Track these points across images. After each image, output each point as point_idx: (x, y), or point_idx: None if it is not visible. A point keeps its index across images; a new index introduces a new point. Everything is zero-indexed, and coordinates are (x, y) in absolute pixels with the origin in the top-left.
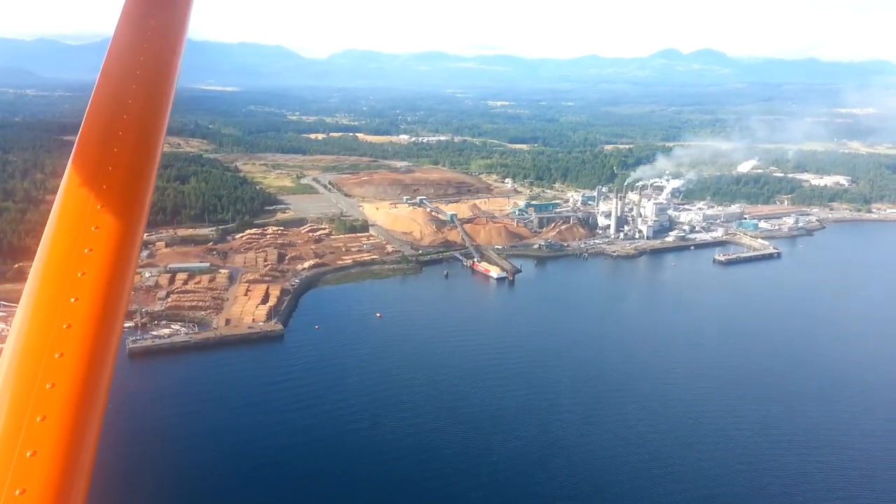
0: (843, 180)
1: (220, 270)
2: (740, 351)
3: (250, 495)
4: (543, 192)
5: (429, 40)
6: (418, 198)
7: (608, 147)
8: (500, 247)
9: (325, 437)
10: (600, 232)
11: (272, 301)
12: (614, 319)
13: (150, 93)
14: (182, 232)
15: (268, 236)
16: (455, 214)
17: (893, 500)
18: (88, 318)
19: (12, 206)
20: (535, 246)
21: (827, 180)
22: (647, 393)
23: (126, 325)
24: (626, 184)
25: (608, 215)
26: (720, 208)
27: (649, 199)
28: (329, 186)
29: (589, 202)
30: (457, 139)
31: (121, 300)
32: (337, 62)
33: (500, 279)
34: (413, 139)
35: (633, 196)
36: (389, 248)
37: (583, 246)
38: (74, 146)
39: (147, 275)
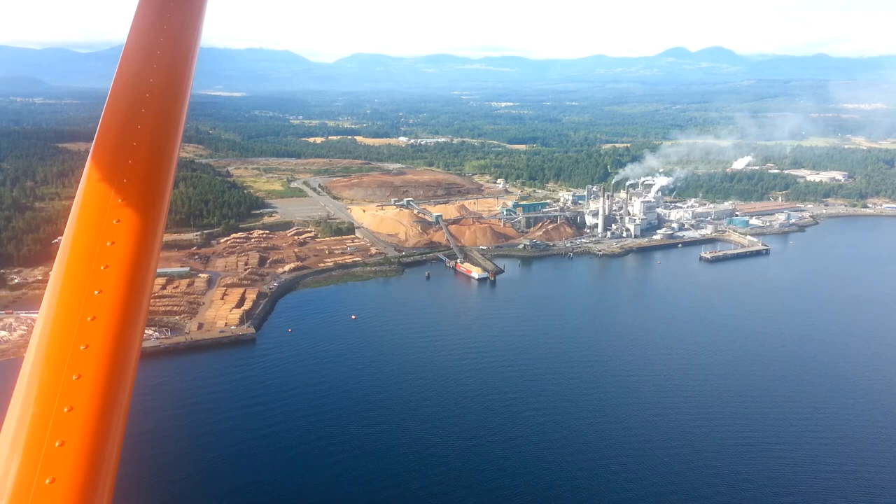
0: (839, 176)
1: (200, 275)
2: (707, 348)
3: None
4: (535, 191)
5: (436, 43)
6: (405, 199)
7: (607, 146)
8: (484, 247)
9: (274, 444)
10: (588, 231)
11: (247, 305)
12: (588, 319)
13: (167, 88)
14: (166, 237)
15: (252, 240)
16: (440, 216)
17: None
18: (112, 310)
19: None
20: (521, 246)
21: (823, 176)
22: (606, 389)
23: None
24: (613, 182)
25: (596, 214)
26: (712, 205)
27: (638, 198)
28: (319, 189)
29: (579, 201)
30: (456, 141)
31: (144, 292)
32: (344, 66)
33: (481, 280)
34: (412, 141)
35: (623, 195)
36: (373, 250)
37: (569, 245)
38: (93, 142)
39: None
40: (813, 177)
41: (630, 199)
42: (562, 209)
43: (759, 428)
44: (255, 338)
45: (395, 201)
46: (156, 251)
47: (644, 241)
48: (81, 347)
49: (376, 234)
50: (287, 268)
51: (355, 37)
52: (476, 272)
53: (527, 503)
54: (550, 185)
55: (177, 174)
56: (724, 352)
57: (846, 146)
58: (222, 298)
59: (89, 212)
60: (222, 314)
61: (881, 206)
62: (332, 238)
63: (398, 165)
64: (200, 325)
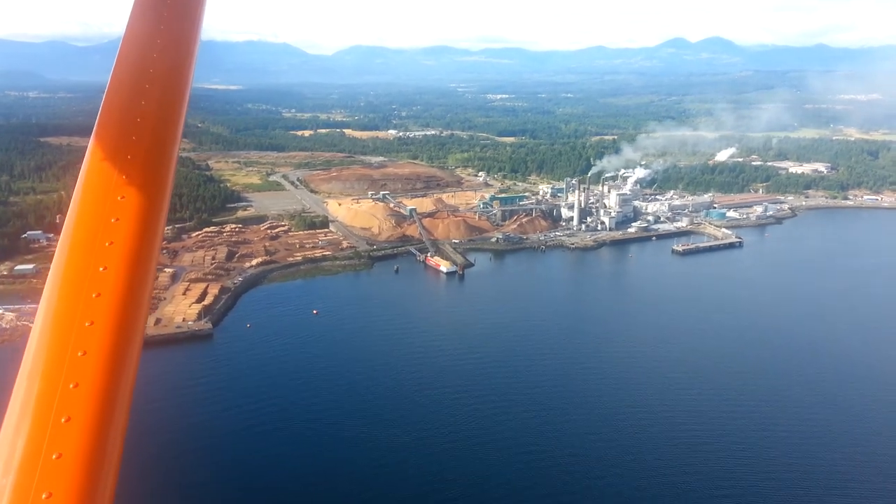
0: (822, 167)
1: (165, 269)
2: (660, 342)
3: None
4: (515, 184)
5: (436, 34)
6: (381, 193)
7: (595, 139)
8: (457, 241)
9: (214, 439)
10: (564, 224)
11: (208, 300)
12: (547, 313)
13: (167, 79)
14: None
15: (224, 234)
16: (414, 209)
17: None
18: (109, 316)
19: None
20: (493, 239)
21: (805, 168)
22: (542, 385)
23: None
24: (589, 175)
25: (572, 207)
26: (691, 198)
27: (613, 190)
28: (297, 183)
29: (558, 194)
30: (445, 133)
31: (143, 293)
32: (343, 59)
33: (449, 273)
34: (400, 134)
35: (602, 187)
36: (345, 244)
37: (542, 238)
38: (92, 136)
39: None
40: (795, 168)
41: (608, 192)
42: (538, 202)
43: (703, 422)
44: (213, 333)
45: (372, 195)
46: (156, 250)
47: (618, 234)
48: (79, 354)
49: (350, 227)
50: (254, 262)
51: (354, 29)
52: (445, 266)
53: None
54: (533, 177)
55: None
56: (676, 345)
57: (835, 137)
58: (184, 293)
59: (87, 210)
60: (181, 309)
61: (861, 197)
62: (306, 232)
63: (380, 159)
64: (158, 321)
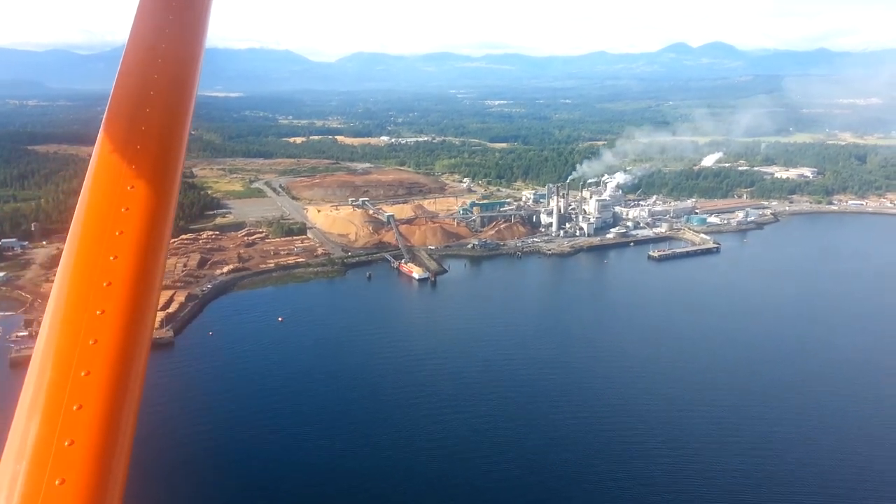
0: (808, 172)
1: None
2: (618, 350)
3: None
4: (498, 190)
5: (437, 41)
6: (361, 199)
7: (586, 144)
8: (433, 247)
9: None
10: (543, 230)
11: (173, 307)
12: (512, 319)
13: (173, 86)
14: None
15: (199, 241)
16: (392, 216)
17: None
18: (120, 305)
19: None
20: (469, 246)
21: (791, 173)
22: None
23: (20, 334)
24: (568, 181)
25: (552, 213)
26: (674, 203)
27: (595, 196)
28: (279, 190)
29: (541, 200)
30: (437, 139)
31: (154, 283)
32: (345, 66)
33: (421, 280)
34: (392, 141)
35: (585, 193)
36: (320, 251)
37: (519, 244)
38: (96, 144)
39: None
40: (781, 173)
41: (589, 198)
42: (518, 208)
43: (654, 425)
44: (174, 341)
45: (352, 201)
46: (165, 241)
47: (596, 240)
48: (90, 342)
49: (328, 234)
50: (226, 269)
51: (356, 36)
52: (417, 272)
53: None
54: (518, 183)
55: None
56: (637, 353)
57: (829, 142)
58: None
59: (97, 202)
60: None
61: (846, 202)
62: (283, 239)
63: (366, 165)
64: None
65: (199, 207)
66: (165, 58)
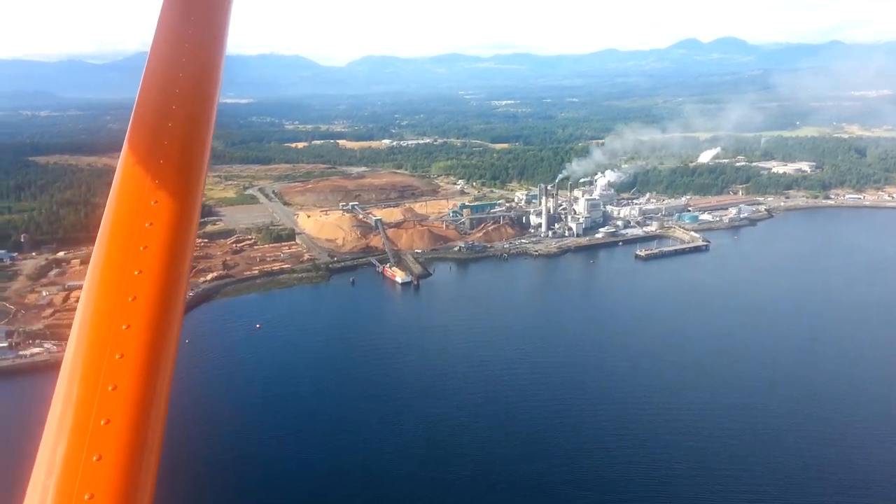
0: (805, 166)
1: None
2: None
3: None
4: (492, 192)
5: (446, 42)
6: (350, 203)
7: (584, 143)
8: (420, 250)
9: None
10: (532, 231)
11: None
12: (492, 321)
13: (194, 98)
14: (86, 251)
15: None
16: (380, 219)
17: None
18: (145, 319)
19: None
20: (456, 248)
21: (789, 167)
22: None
23: (0, 345)
24: (557, 180)
25: (541, 214)
26: (666, 201)
27: (584, 195)
28: (272, 196)
29: (534, 200)
30: (438, 141)
31: (178, 296)
32: (355, 69)
33: (404, 284)
34: (393, 143)
35: (576, 192)
36: (306, 256)
37: (507, 246)
38: (121, 157)
39: (45, 293)
40: (779, 168)
41: (579, 197)
42: (508, 209)
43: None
44: None
45: (342, 206)
46: (189, 254)
47: (584, 241)
48: (117, 357)
49: (316, 239)
50: (209, 277)
51: (366, 39)
52: (400, 276)
53: None
54: (513, 184)
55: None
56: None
57: (836, 135)
58: None
59: (121, 216)
60: None
61: (843, 196)
62: (270, 245)
63: (361, 169)
64: None
65: None
66: (186, 71)
